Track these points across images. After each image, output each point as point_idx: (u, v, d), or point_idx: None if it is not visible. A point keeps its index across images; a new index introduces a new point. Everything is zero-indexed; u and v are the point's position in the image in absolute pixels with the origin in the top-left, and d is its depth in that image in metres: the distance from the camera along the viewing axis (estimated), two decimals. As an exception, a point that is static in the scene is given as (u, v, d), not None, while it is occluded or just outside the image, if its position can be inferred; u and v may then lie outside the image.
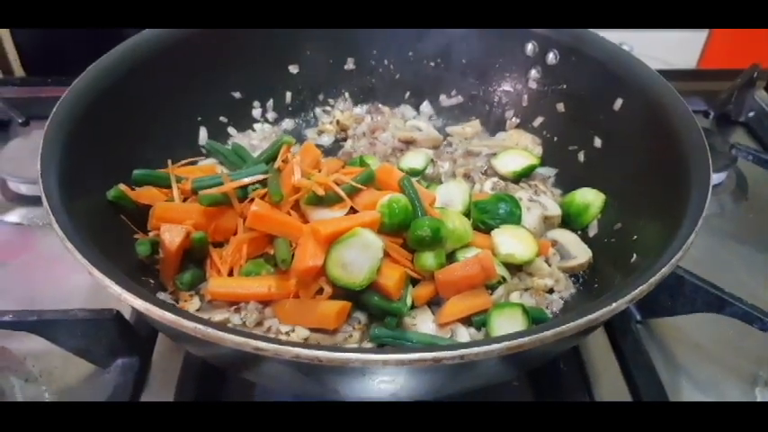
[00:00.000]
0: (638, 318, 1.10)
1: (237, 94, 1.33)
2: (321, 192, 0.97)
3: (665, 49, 3.12)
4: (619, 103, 1.15)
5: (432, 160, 1.27)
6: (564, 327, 0.65)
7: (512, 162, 1.23)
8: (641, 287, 0.71)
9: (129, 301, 0.70)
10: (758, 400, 0.99)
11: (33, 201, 1.30)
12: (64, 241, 0.76)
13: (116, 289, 0.70)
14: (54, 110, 0.96)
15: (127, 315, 1.00)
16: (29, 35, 1.92)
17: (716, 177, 1.38)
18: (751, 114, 1.63)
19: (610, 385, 1.01)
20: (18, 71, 3.01)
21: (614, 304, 0.68)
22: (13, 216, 1.29)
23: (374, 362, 0.62)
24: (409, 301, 0.96)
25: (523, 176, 1.24)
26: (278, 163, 1.07)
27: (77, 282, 1.15)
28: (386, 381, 0.70)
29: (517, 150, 1.26)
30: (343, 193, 0.99)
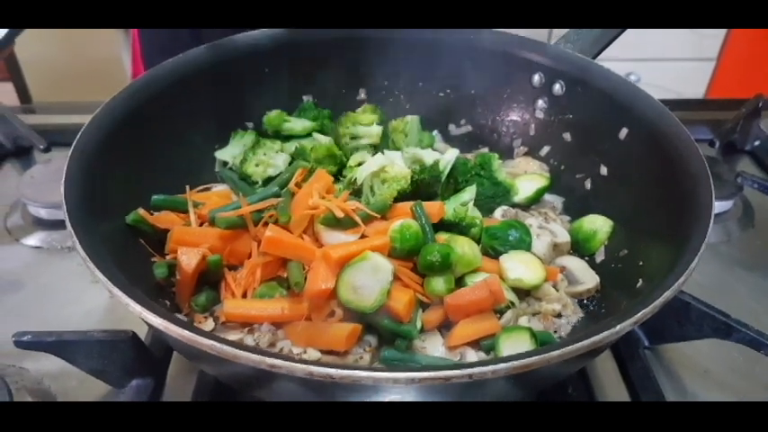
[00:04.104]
0: (646, 343, 1.11)
1: (251, 125, 1.36)
2: (340, 214, 1.00)
3: (673, 79, 3.18)
4: (624, 132, 1.18)
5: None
6: (570, 347, 0.67)
7: (522, 189, 1.25)
8: (644, 310, 0.73)
9: (148, 320, 0.72)
10: (766, 426, 1.00)
11: (53, 225, 1.33)
12: (86, 262, 0.79)
13: (136, 308, 0.73)
14: (77, 137, 1.00)
15: (142, 336, 1.03)
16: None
17: (722, 205, 1.40)
18: (757, 143, 1.65)
19: (618, 410, 1.02)
20: (36, 99, 3.10)
21: (618, 326, 0.70)
22: (33, 239, 1.32)
23: (385, 380, 0.64)
24: (419, 325, 0.97)
25: (535, 201, 1.26)
26: (291, 185, 1.10)
27: (93, 304, 1.18)
28: (395, 399, 0.71)
29: (526, 176, 1.28)
30: (359, 219, 1.02)
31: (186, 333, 0.69)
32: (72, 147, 0.98)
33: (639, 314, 0.72)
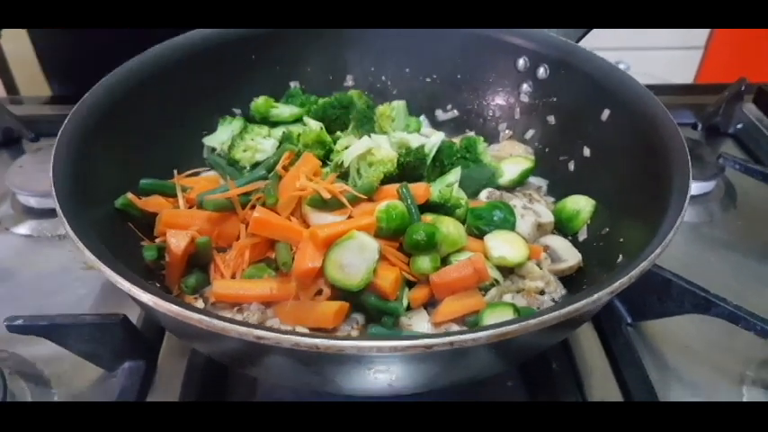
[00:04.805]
0: (629, 320, 1.13)
1: (239, 111, 1.37)
2: (327, 195, 1.01)
3: (661, 68, 3.20)
4: (606, 113, 1.19)
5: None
6: (548, 316, 0.68)
7: (507, 171, 1.27)
8: (621, 280, 0.74)
9: (137, 296, 0.73)
10: (745, 397, 1.02)
11: (43, 213, 1.35)
12: (76, 242, 0.80)
13: (125, 285, 0.74)
14: (64, 123, 1.00)
15: (134, 320, 1.04)
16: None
17: (704, 186, 1.43)
18: (739, 126, 1.68)
19: (601, 386, 1.04)
20: (23, 91, 3.08)
21: (595, 296, 0.72)
22: (23, 228, 1.34)
23: (368, 348, 0.65)
24: (405, 302, 0.99)
25: (520, 183, 1.27)
26: (278, 168, 1.11)
27: (84, 291, 1.20)
28: (381, 370, 0.73)
29: (511, 159, 1.29)
30: (345, 200, 1.03)
31: (175, 308, 0.70)
32: (59, 132, 0.98)
33: (616, 284, 0.74)
